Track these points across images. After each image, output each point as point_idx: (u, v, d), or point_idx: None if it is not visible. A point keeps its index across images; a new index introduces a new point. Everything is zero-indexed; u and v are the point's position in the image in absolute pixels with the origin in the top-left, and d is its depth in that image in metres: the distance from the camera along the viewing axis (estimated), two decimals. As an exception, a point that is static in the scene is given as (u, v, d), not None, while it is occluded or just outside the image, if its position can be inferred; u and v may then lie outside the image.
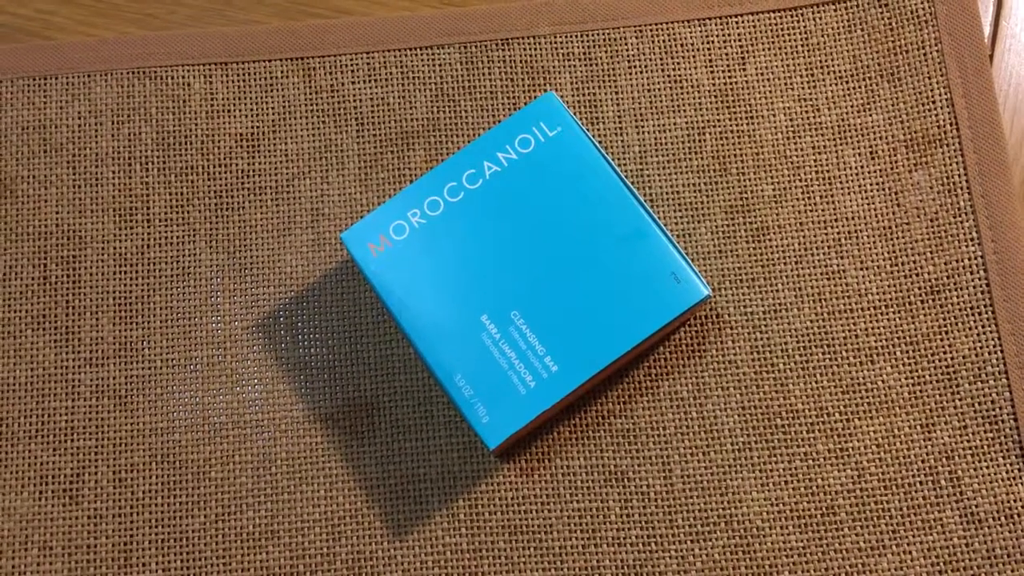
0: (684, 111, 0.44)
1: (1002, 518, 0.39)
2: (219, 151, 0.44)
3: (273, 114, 0.45)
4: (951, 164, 0.43)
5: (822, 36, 0.45)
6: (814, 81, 0.44)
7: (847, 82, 0.44)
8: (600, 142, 0.44)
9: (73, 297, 0.43)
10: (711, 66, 0.45)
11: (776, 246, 0.42)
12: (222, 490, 0.41)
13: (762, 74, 0.44)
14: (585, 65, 0.45)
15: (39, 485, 0.41)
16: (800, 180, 0.43)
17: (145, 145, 0.44)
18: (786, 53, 0.45)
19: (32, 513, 0.41)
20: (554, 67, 0.45)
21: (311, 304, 0.42)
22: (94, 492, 0.41)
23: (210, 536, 0.40)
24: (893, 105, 0.44)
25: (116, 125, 0.45)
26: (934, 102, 0.43)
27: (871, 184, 0.43)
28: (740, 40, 0.45)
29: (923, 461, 0.40)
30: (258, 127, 0.44)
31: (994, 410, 0.40)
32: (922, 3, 0.44)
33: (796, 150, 0.43)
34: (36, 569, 0.40)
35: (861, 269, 0.42)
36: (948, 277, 0.42)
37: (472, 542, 0.40)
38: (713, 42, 0.45)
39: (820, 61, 0.44)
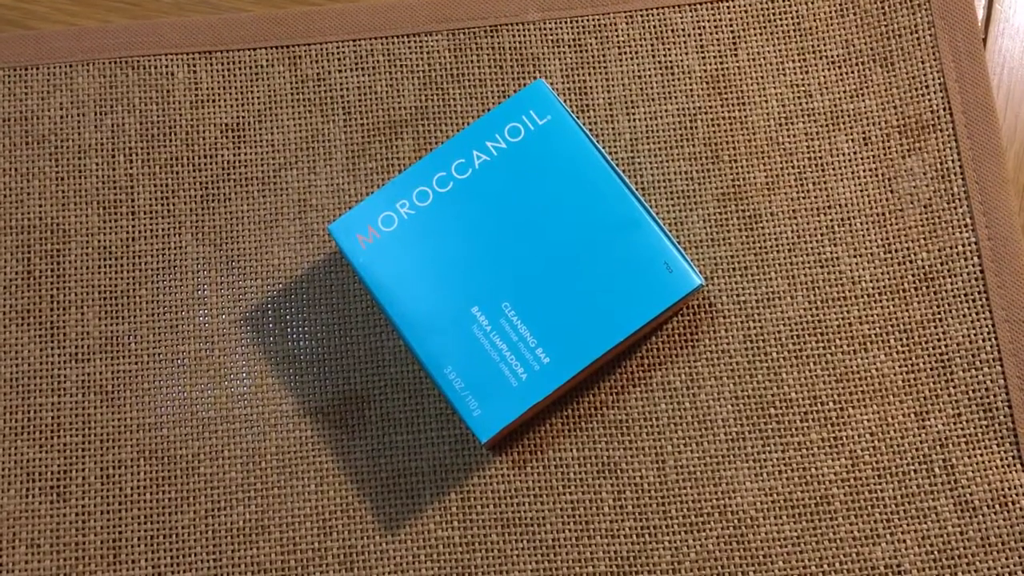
0: (675, 98, 0.44)
1: (996, 505, 0.39)
2: (204, 142, 0.44)
3: (259, 103, 0.44)
4: (944, 150, 0.42)
5: (814, 21, 0.44)
6: (806, 66, 0.44)
7: (839, 67, 0.44)
8: (590, 130, 0.43)
9: (57, 291, 0.42)
10: (702, 52, 0.44)
11: (769, 234, 0.42)
12: (211, 485, 0.40)
13: (754, 60, 0.44)
14: (575, 52, 0.44)
15: (26, 482, 0.40)
16: (793, 167, 0.43)
17: (129, 136, 0.44)
18: (778, 38, 0.44)
19: (19, 510, 0.40)
20: (543, 54, 0.44)
21: (299, 297, 0.42)
22: (82, 489, 0.40)
23: (200, 532, 0.40)
24: (886, 90, 0.43)
25: (99, 116, 0.44)
26: (927, 87, 0.43)
27: (864, 170, 0.43)
28: (731, 25, 0.44)
29: (917, 449, 0.40)
30: (244, 117, 0.44)
31: (988, 397, 0.40)
32: (915, -13, 0.44)
33: (788, 136, 0.43)
34: (24, 567, 0.40)
35: (854, 256, 0.42)
36: (942, 264, 0.41)
37: (464, 535, 0.40)
38: (704, 28, 0.44)
39: (812, 46, 0.44)
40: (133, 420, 0.41)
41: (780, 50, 0.44)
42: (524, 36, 0.44)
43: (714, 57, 0.44)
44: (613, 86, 0.44)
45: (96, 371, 0.41)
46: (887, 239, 0.42)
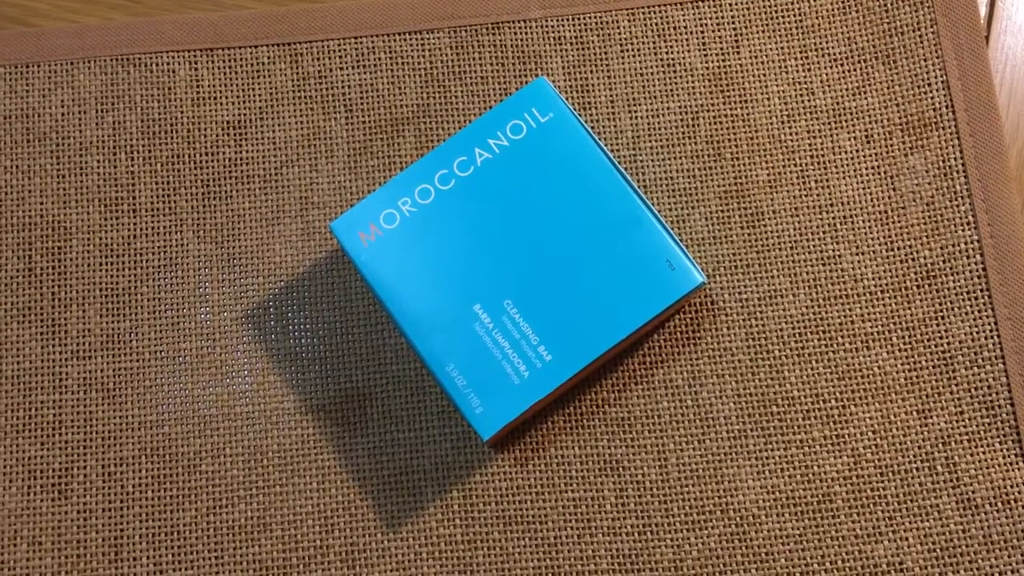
0: (677, 95, 0.44)
1: (999, 503, 0.39)
2: (206, 139, 0.43)
3: (260, 101, 0.44)
4: (947, 147, 0.42)
5: (816, 18, 0.44)
6: (809, 64, 0.44)
7: (842, 65, 0.44)
8: (592, 127, 0.43)
9: (59, 289, 0.42)
10: (705, 49, 0.44)
11: (771, 232, 0.42)
12: (213, 483, 0.40)
13: (756, 57, 0.44)
14: (577, 49, 0.44)
15: (27, 480, 0.40)
16: (795, 165, 0.43)
17: (130, 134, 0.44)
18: (780, 36, 0.44)
19: (21, 508, 0.40)
20: (545, 51, 0.44)
21: (301, 294, 0.42)
22: (83, 486, 0.40)
23: (201, 530, 0.40)
24: (888, 88, 0.43)
25: (100, 113, 0.44)
26: (930, 84, 0.43)
27: (867, 168, 0.42)
28: (734, 23, 0.44)
29: (919, 447, 0.40)
30: (245, 114, 0.44)
31: (990, 395, 0.40)
32: (917, -16, 0.44)
33: (791, 134, 0.43)
34: (26, 564, 0.40)
35: (857, 254, 0.42)
36: (944, 262, 0.41)
37: (466, 533, 0.40)
38: (706, 25, 0.44)
39: (815, 43, 0.44)
40: (135, 418, 0.41)
41: (782, 47, 0.44)
42: (526, 33, 0.44)
43: (716, 54, 0.44)
44: (615, 83, 0.44)
45: (97, 368, 0.41)
46: (889, 237, 0.42)
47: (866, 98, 0.43)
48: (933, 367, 0.41)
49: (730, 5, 0.44)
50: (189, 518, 0.40)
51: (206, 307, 0.42)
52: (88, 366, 0.41)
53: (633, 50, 0.44)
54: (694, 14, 0.44)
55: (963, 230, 0.41)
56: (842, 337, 0.41)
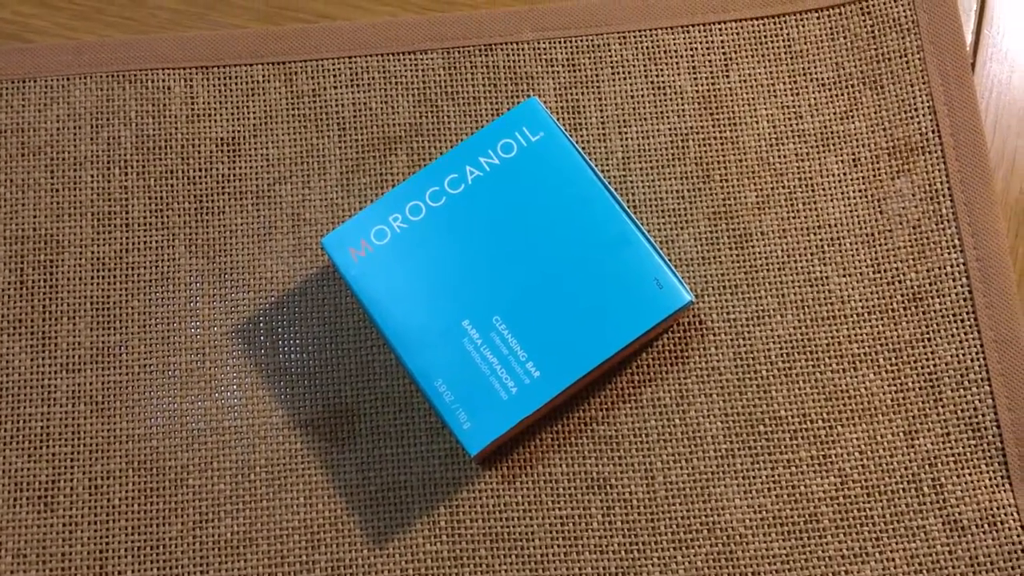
0: (667, 118, 0.44)
1: (985, 525, 0.39)
2: (199, 155, 0.44)
3: (254, 118, 0.44)
4: (933, 171, 0.43)
5: (805, 43, 0.45)
6: (797, 88, 0.44)
7: (830, 89, 0.44)
8: (583, 148, 0.44)
9: (50, 302, 0.42)
10: (695, 73, 0.45)
11: (759, 253, 0.42)
12: (200, 497, 0.40)
13: (745, 81, 0.44)
14: (568, 71, 0.45)
15: (13, 492, 0.40)
16: (783, 187, 0.43)
17: (124, 149, 0.44)
18: (769, 60, 0.45)
19: (6, 520, 0.40)
20: (537, 73, 0.45)
21: (291, 310, 0.42)
22: (69, 499, 0.40)
23: (188, 544, 0.40)
24: (876, 113, 0.44)
25: (95, 129, 0.44)
26: (916, 110, 0.43)
27: (854, 191, 0.43)
28: (723, 47, 0.45)
29: (906, 468, 0.40)
30: (239, 131, 0.44)
31: (977, 417, 0.40)
32: (904, 11, 0.45)
33: (779, 157, 0.43)
34: (10, 578, 0.39)
35: (844, 276, 0.42)
36: (930, 284, 0.42)
37: (453, 550, 0.40)
38: (697, 49, 0.45)
39: (803, 68, 0.44)
40: (123, 431, 0.41)
41: (771, 72, 0.45)
42: (518, 55, 0.45)
43: (706, 78, 0.44)
44: (606, 105, 0.44)
45: (87, 381, 0.41)
46: (876, 259, 0.42)
47: (853, 122, 0.44)
48: (919, 388, 0.41)
49: (720, 30, 0.45)
50: (175, 532, 0.40)
51: (196, 321, 0.42)
52: (77, 379, 0.41)
53: (624, 72, 0.45)
54: (684, 38, 0.45)
55: (949, 253, 0.42)
56: (829, 358, 0.41)
